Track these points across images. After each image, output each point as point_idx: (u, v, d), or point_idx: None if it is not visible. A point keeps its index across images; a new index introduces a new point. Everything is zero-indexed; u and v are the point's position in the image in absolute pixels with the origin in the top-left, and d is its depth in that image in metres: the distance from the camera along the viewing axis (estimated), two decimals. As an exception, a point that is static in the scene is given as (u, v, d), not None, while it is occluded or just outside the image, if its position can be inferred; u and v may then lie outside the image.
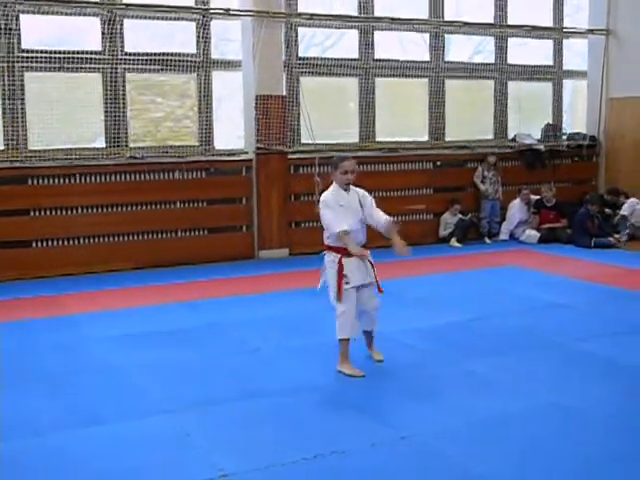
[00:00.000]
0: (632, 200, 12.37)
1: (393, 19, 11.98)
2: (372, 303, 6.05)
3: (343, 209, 5.83)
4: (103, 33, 10.14)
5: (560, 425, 4.88)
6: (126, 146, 10.37)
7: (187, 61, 10.73)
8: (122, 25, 10.28)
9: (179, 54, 10.68)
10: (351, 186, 5.96)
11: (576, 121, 14.58)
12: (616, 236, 11.84)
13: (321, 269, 6.05)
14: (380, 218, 5.97)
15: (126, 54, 10.29)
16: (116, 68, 10.26)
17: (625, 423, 4.90)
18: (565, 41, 13.96)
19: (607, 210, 12.52)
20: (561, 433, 4.74)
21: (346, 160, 5.92)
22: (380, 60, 12.09)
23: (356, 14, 11.87)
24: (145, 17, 10.41)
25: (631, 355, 6.31)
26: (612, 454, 4.43)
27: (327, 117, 11.92)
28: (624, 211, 12.34)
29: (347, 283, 5.81)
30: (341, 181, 5.89)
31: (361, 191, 6.05)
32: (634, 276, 9.68)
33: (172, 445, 4.65)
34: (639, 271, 9.93)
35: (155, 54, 10.46)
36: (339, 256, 5.83)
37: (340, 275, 5.79)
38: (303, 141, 11.48)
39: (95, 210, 10.18)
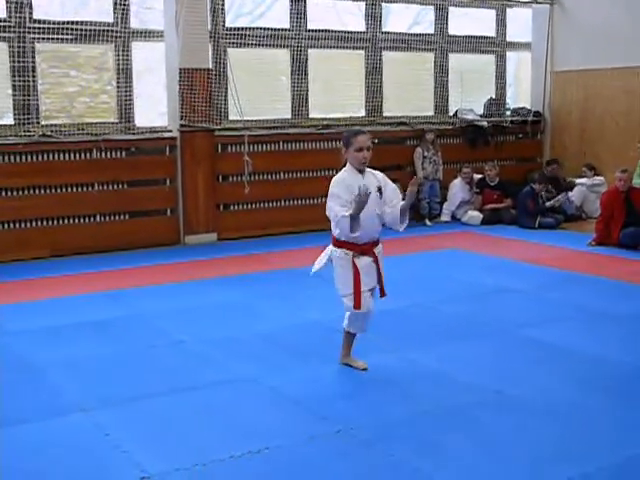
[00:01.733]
0: (592, 179, 12.58)
1: (327, -14, 11.98)
2: (372, 306, 5.69)
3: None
4: (9, -1, 9.90)
5: (504, 415, 4.96)
6: (37, 123, 10.14)
7: (104, 31, 10.50)
8: (31, -10, 10.05)
9: (95, 23, 10.46)
10: (367, 168, 5.49)
11: (520, 95, 14.79)
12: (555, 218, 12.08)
13: (323, 257, 5.66)
14: (396, 208, 5.52)
15: (35, 22, 10.03)
16: (24, 37, 9.98)
17: (569, 412, 5.01)
18: (508, 11, 14.12)
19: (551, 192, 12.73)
20: (505, 423, 4.83)
21: (360, 134, 5.44)
22: (313, 30, 12.04)
23: (287, -19, 11.83)
24: (56, -18, 10.21)
25: (577, 340, 6.45)
26: (557, 444, 4.53)
27: (257, 92, 11.83)
28: (573, 197, 12.59)
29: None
30: (356, 160, 5.39)
31: (380, 175, 5.58)
32: (579, 258, 9.90)
33: (90, 446, 4.58)
34: (584, 253, 10.16)
35: (68, 22, 10.22)
36: (351, 254, 5.43)
37: (357, 278, 5.41)
38: (231, 118, 11.39)
39: (4, 194, 9.93)
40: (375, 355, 6.03)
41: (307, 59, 12.06)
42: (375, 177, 5.51)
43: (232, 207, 11.44)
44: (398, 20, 13.15)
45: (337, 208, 5.34)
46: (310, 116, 12.10)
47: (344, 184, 5.38)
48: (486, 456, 4.36)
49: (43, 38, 10.12)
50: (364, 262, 5.47)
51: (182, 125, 10.85)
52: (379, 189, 5.46)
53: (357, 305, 5.46)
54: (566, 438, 4.60)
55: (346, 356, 5.81)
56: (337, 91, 12.65)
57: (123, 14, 10.59)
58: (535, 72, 14.18)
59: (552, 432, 4.68)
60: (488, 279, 8.68)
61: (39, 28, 10.03)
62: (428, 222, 12.52)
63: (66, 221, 10.36)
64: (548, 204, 12.03)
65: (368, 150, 5.38)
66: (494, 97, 14.02)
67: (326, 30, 12.16)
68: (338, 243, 5.48)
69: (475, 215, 12.49)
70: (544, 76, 13.91)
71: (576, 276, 8.82)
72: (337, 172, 11.87)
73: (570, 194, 12.64)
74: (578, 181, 12.76)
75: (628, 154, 12.29)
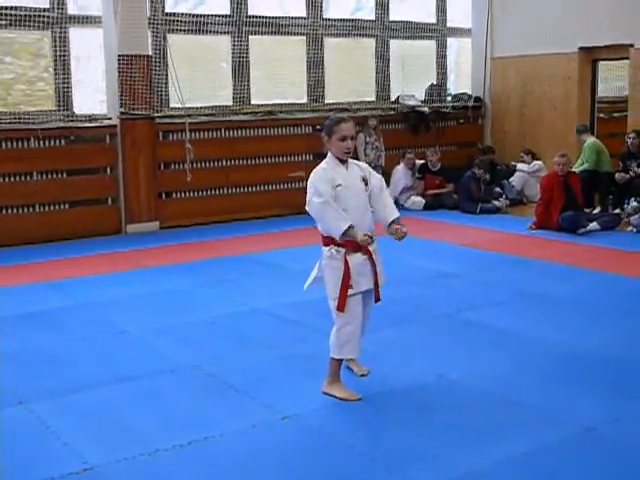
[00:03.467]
0: (532, 165, 12.75)
1: (267, -28, 11.93)
2: (370, 311, 5.22)
3: (342, 190, 4.90)
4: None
5: (445, 398, 5.03)
6: (-28, 111, 9.98)
7: (40, 16, 10.32)
8: (-37, -25, 9.84)
9: (30, 8, 10.27)
10: (350, 159, 5.06)
11: (461, 81, 14.92)
12: (499, 201, 12.20)
13: (317, 265, 5.20)
14: (387, 214, 5.12)
15: (-31, 8, 9.87)
16: (-43, 23, 9.82)
17: (505, 394, 5.09)
18: (448, -3, 14.24)
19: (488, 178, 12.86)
20: (446, 405, 4.90)
21: (344, 122, 4.95)
22: (254, 17, 12.00)
23: (227, -34, 11.75)
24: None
25: (515, 322, 6.56)
26: (492, 423, 4.62)
27: (198, 79, 11.76)
28: (514, 181, 12.76)
29: (351, 287, 4.90)
30: (339, 150, 4.93)
31: (364, 165, 5.23)
32: (518, 241, 10.05)
33: (30, 438, 4.54)
34: (523, 236, 10.31)
35: (2, 8, 10.01)
36: (342, 251, 4.92)
37: (346, 277, 4.89)
38: (172, 105, 11.31)
39: (-61, 184, 9.77)
40: (317, 339, 6.07)
41: (248, 45, 12.00)
42: (359, 167, 5.11)
43: (174, 195, 11.37)
44: (339, 6, 13.18)
45: (322, 211, 4.88)
46: (252, 103, 12.07)
47: (327, 177, 4.91)
48: (422, 436, 4.44)
49: (-23, 24, 9.94)
50: (357, 259, 4.95)
51: (122, 113, 10.74)
52: (364, 179, 5.03)
53: (340, 306, 4.89)
54: (501, 418, 4.69)
55: (331, 385, 5.07)
56: (279, 78, 12.61)
57: None
58: (475, 58, 14.32)
59: (489, 412, 4.77)
60: (430, 264, 8.76)
61: (-28, 14, 9.85)
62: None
63: (4, 211, 10.19)
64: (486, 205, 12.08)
65: (352, 139, 4.94)
66: (435, 83, 14.12)
67: (267, 16, 12.12)
68: (327, 240, 4.99)
69: (417, 200, 12.59)
70: (484, 62, 14.06)
71: (516, 259, 8.94)
72: (281, 159, 11.78)
73: (511, 179, 12.82)
74: (519, 167, 12.92)
75: (566, 138, 12.51)
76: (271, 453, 4.32)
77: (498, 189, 12.48)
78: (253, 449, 4.37)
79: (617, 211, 11.19)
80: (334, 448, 4.37)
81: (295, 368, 5.63)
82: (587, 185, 11.20)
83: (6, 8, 10.05)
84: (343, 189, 4.91)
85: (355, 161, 5.17)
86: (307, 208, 4.99)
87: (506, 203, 12.25)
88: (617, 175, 11.34)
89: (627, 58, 12.03)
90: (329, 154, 5.03)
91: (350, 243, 4.91)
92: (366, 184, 5.04)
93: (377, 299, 5.14)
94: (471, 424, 4.62)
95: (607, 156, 11.73)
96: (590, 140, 11.81)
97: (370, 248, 5.02)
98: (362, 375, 5.35)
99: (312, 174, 5.00)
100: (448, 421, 4.67)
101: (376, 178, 5.14)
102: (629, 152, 11.51)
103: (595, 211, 11.31)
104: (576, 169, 11.38)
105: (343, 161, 5.00)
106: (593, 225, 10.33)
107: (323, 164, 5.03)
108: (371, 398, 5.02)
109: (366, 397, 5.02)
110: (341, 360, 5.09)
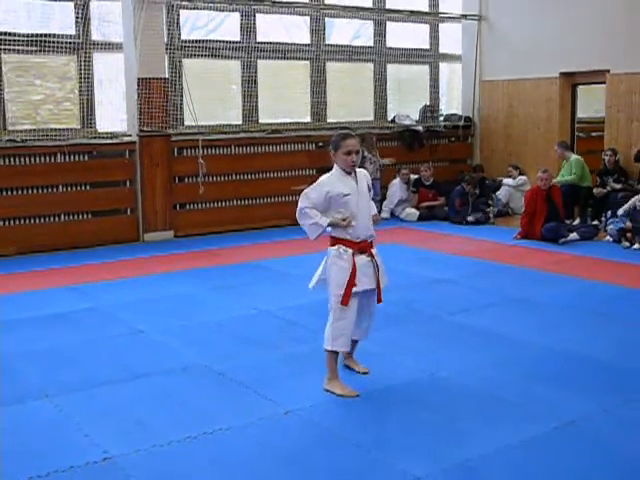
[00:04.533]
0: (517, 179, 12.73)
1: (274, 2, 11.91)
2: (373, 310, 5.25)
3: (352, 198, 4.95)
4: (-23, 12, 9.71)
5: (437, 395, 5.03)
6: (4, 129, 9.96)
7: (67, 42, 10.34)
8: (-4, 5, 9.85)
9: (58, 35, 10.27)
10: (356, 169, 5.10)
11: (452, 103, 14.91)
12: (488, 210, 12.20)
13: (322, 265, 5.18)
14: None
15: (2, 34, 9.84)
16: (-9, 49, 9.83)
17: (493, 391, 5.08)
18: (441, 26, 14.23)
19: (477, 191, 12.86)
20: (438, 402, 4.90)
21: (349, 138, 4.99)
22: (262, 43, 12.01)
23: (237, -3, 11.76)
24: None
25: (502, 325, 6.55)
26: (480, 418, 4.60)
27: (210, 99, 11.75)
28: (500, 194, 12.75)
29: (355, 285, 4.96)
30: (345, 163, 4.97)
31: (363, 171, 5.24)
32: (504, 250, 10.02)
33: (54, 429, 4.54)
34: (508, 245, 10.29)
35: (33, 35, 10.04)
36: (350, 251, 4.97)
37: (353, 275, 4.93)
38: (186, 123, 11.30)
39: (-27, 195, 9.77)
40: (318, 340, 6.05)
41: (257, 69, 12.01)
42: (365, 176, 5.18)
43: (188, 206, 11.36)
44: (340, 33, 13.20)
45: (299, 207, 5.01)
46: (260, 122, 12.07)
47: (323, 185, 4.98)
48: (412, 433, 4.42)
49: (9, 49, 9.94)
50: (362, 260, 5.01)
51: (141, 130, 10.75)
52: (368, 187, 5.18)
53: (345, 300, 4.92)
54: (489, 414, 4.68)
55: (331, 381, 5.09)
56: (285, 98, 12.64)
57: (84, 27, 10.45)
58: (465, 81, 14.32)
59: (477, 408, 4.76)
60: (424, 270, 8.74)
61: (6, 40, 9.84)
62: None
63: (32, 221, 10.19)
64: (470, 218, 12.02)
65: (357, 153, 4.98)
66: (428, 104, 14.11)
67: (274, 42, 12.14)
68: (335, 240, 5.03)
69: (412, 212, 12.58)
70: (473, 85, 14.05)
71: (502, 267, 8.93)
72: (286, 173, 11.72)
73: (497, 193, 12.82)
74: (504, 181, 12.93)
75: (549, 155, 12.51)
76: (274, 444, 4.31)
77: (489, 202, 12.47)
78: (258, 440, 4.36)
79: (595, 222, 11.20)
80: (333, 440, 4.36)
81: (297, 366, 5.61)
82: (568, 198, 11.20)
83: (36, 35, 10.06)
84: (352, 197, 4.97)
85: (361, 170, 5.19)
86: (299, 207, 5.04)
87: (493, 212, 12.24)
88: (595, 190, 11.34)
89: (604, 82, 12.03)
90: (335, 166, 5.07)
91: (355, 244, 4.97)
92: (369, 190, 5.16)
93: (379, 300, 5.18)
94: (461, 419, 4.61)
95: (588, 172, 11.73)
96: (575, 156, 11.78)
97: (372, 251, 5.09)
98: (364, 373, 5.35)
99: (317, 181, 5.06)
100: (439, 417, 4.66)
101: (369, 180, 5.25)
102: (606, 169, 11.51)
103: (575, 222, 11.29)
104: (560, 180, 11.34)
105: (349, 172, 5.03)
106: (573, 235, 10.33)
107: (330, 175, 5.06)
108: (368, 394, 5.01)
109: (363, 394, 5.01)
110: (335, 354, 5.09)
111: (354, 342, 5.32)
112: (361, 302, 5.09)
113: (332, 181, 5.01)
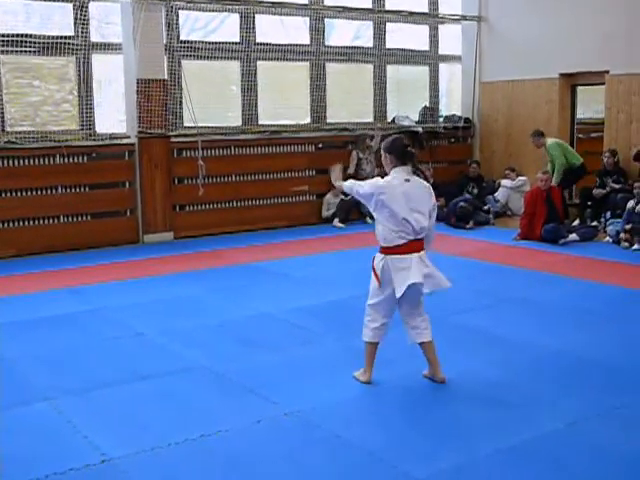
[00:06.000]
0: (515, 181, 12.73)
1: (274, 3, 11.91)
2: (419, 308, 5.38)
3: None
4: (-25, 14, 9.69)
5: (437, 396, 5.03)
6: (2, 130, 9.96)
7: (65, 44, 10.33)
8: (-5, 6, 9.84)
9: (56, 36, 10.27)
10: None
11: (452, 104, 14.90)
12: (485, 208, 12.23)
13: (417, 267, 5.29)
14: None
15: (0, 35, 9.84)
16: (-11, 50, 9.82)
17: (492, 392, 5.10)
18: (440, 27, 14.22)
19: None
20: (437, 403, 4.90)
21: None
22: (261, 44, 12.01)
23: (237, -2, 11.76)
24: (19, -2, 10.02)
25: (501, 326, 6.56)
26: (480, 419, 4.60)
27: (209, 100, 11.75)
28: (499, 196, 12.75)
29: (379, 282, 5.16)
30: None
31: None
32: (503, 251, 10.04)
33: (53, 431, 4.54)
34: (507, 246, 10.31)
35: (31, 36, 10.04)
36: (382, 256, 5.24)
37: (375, 273, 5.21)
38: (185, 124, 11.30)
39: (-28, 197, 9.77)
40: (318, 341, 6.06)
41: (256, 70, 12.01)
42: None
43: (187, 208, 11.36)
44: (340, 34, 13.18)
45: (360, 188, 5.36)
46: (259, 123, 12.07)
47: (378, 183, 5.29)
48: (418, 434, 4.42)
49: (8, 50, 9.93)
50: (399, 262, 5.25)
51: (140, 132, 10.75)
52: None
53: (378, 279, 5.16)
54: (488, 414, 4.68)
55: (364, 368, 5.28)
56: (284, 100, 12.63)
57: (83, 28, 10.43)
58: (465, 82, 14.32)
59: (477, 409, 4.76)
60: (423, 272, 8.72)
61: (3, 41, 9.83)
62: (369, 220, 12.52)
63: (31, 222, 10.19)
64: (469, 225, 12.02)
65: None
66: (428, 105, 14.11)
67: (273, 44, 12.13)
68: (388, 250, 5.29)
69: (412, 213, 12.54)
70: (473, 86, 14.05)
71: (502, 268, 8.93)
72: (285, 174, 11.74)
73: (495, 194, 12.82)
74: (502, 183, 12.91)
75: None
76: (274, 445, 4.32)
77: (484, 207, 12.49)
78: (258, 441, 4.37)
79: (595, 223, 11.20)
80: (333, 442, 4.36)
81: (297, 368, 5.61)
82: (569, 180, 11.21)
83: (35, 36, 10.06)
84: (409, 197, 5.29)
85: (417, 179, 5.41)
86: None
87: (494, 208, 12.26)
88: (595, 190, 11.33)
89: (603, 84, 12.03)
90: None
91: (389, 250, 5.24)
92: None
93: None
94: (461, 420, 4.61)
95: (571, 148, 11.65)
96: (550, 140, 11.61)
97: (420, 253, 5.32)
98: (441, 381, 5.24)
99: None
100: (439, 418, 4.67)
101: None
102: (605, 169, 11.50)
103: (574, 223, 11.30)
104: (556, 181, 11.26)
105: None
106: (573, 236, 10.34)
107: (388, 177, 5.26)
108: (367, 395, 5.02)
109: (363, 394, 5.01)
110: (369, 344, 5.21)
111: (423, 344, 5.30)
112: (406, 299, 5.21)
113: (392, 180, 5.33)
